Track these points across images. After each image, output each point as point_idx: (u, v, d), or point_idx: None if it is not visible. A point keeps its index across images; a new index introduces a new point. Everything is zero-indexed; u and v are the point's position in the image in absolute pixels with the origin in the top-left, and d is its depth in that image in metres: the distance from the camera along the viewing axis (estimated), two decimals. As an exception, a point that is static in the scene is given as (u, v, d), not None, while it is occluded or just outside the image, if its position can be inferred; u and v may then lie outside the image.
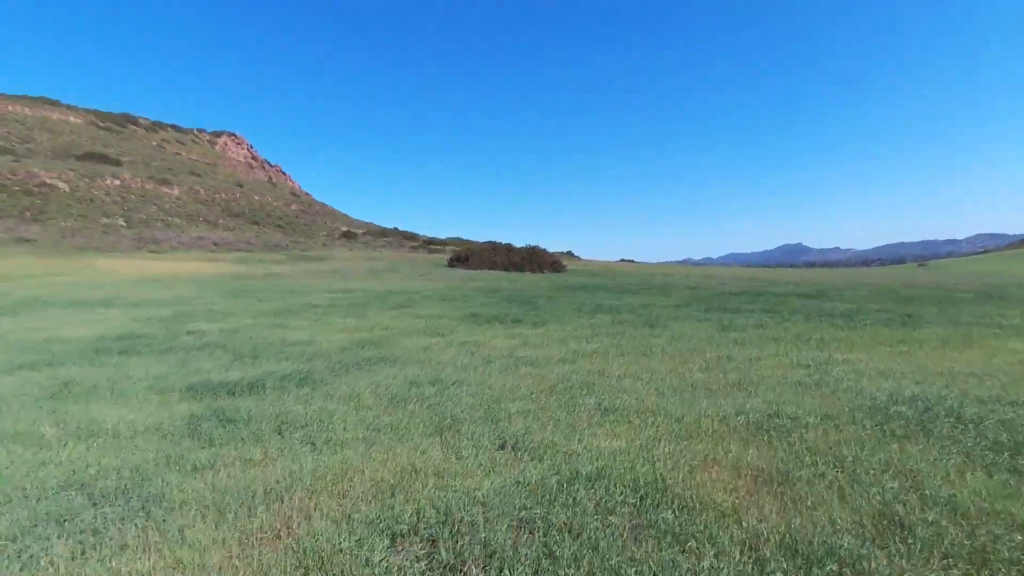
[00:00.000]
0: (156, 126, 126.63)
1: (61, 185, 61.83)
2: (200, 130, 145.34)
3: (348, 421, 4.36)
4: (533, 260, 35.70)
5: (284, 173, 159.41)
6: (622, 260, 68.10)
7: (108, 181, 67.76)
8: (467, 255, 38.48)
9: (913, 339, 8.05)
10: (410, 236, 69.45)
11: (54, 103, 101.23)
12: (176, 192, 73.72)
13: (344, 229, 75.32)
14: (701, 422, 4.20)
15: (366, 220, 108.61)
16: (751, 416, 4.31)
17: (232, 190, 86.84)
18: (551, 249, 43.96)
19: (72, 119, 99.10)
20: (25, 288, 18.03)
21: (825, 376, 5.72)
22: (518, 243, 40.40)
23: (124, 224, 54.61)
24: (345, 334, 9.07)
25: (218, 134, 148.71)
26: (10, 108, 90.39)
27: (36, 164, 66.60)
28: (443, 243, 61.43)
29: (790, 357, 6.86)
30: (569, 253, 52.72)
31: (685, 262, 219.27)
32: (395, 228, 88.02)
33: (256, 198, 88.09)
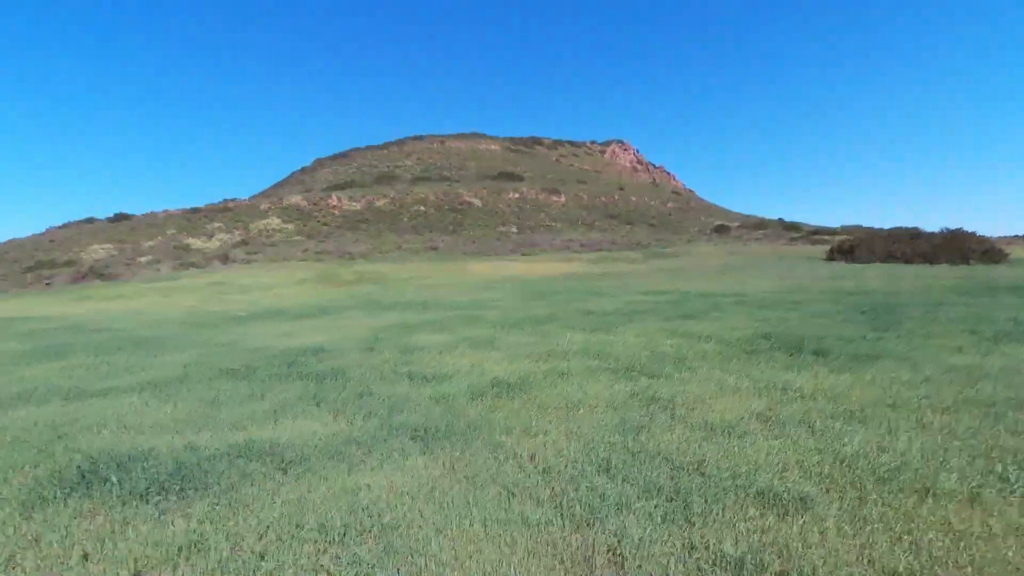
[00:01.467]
0: (556, 144, 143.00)
1: (475, 201, 74.38)
2: (592, 142, 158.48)
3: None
4: (951, 248, 25.86)
5: (668, 173, 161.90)
6: None
7: (510, 195, 78.64)
8: (852, 246, 30.53)
9: None
10: (792, 227, 60.78)
11: (481, 136, 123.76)
12: (563, 200, 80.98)
13: (717, 223, 70.79)
14: None
15: (752, 214, 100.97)
16: None
17: (612, 194, 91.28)
18: (993, 234, 31.56)
19: (492, 147, 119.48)
20: (382, 284, 20.58)
21: None
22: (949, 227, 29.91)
23: (515, 231, 62.16)
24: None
25: (607, 143, 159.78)
26: (452, 144, 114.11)
27: (462, 187, 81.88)
28: (832, 233, 51.60)
29: None
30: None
31: None
32: (779, 219, 79.05)
33: (633, 199, 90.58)
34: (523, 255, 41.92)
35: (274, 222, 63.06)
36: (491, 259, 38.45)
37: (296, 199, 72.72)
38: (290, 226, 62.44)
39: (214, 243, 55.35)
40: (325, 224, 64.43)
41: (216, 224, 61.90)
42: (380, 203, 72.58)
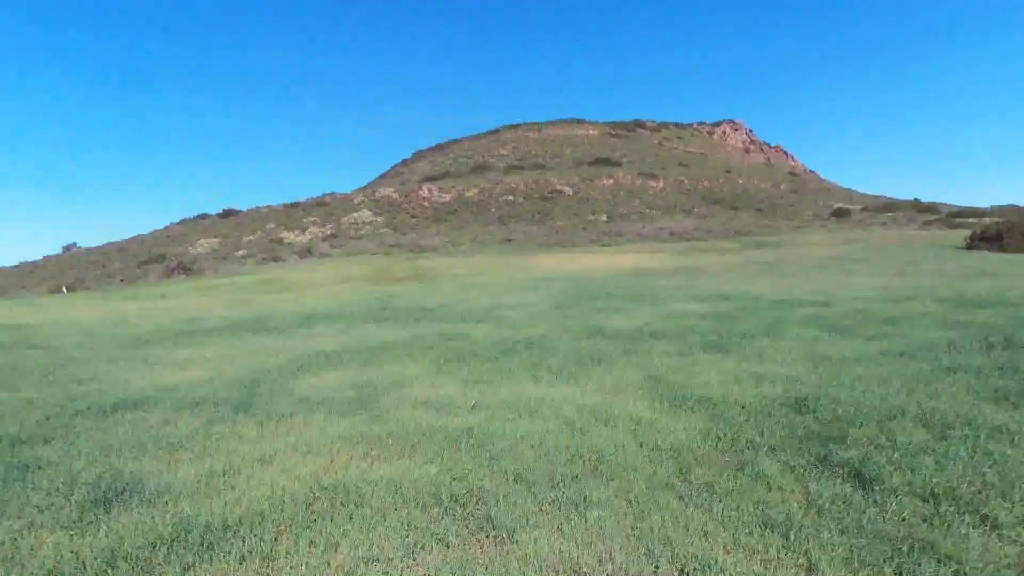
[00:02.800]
0: (660, 127, 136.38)
1: (566, 189, 71.42)
2: (700, 123, 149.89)
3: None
4: None
5: (786, 153, 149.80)
6: None
7: (604, 182, 74.93)
8: (999, 231, 24.89)
9: None
10: (927, 208, 52.74)
11: (579, 121, 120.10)
12: (660, 185, 76.06)
13: (836, 206, 63.13)
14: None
15: (883, 194, 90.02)
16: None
17: (717, 177, 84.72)
18: None
19: (591, 132, 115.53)
20: (421, 284, 18.73)
21: None
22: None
23: (605, 219, 58.62)
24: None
25: (718, 124, 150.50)
26: (548, 132, 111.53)
27: (554, 174, 79.21)
28: (979, 215, 43.86)
29: None
30: None
31: None
32: (914, 200, 69.51)
33: (741, 182, 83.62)
34: (603, 246, 38.75)
35: (365, 215, 63.91)
36: (565, 251, 35.72)
37: (388, 191, 73.57)
38: (380, 219, 62.96)
39: (306, 237, 56.81)
40: (414, 216, 64.36)
41: (311, 218, 63.71)
42: (470, 193, 71.61)
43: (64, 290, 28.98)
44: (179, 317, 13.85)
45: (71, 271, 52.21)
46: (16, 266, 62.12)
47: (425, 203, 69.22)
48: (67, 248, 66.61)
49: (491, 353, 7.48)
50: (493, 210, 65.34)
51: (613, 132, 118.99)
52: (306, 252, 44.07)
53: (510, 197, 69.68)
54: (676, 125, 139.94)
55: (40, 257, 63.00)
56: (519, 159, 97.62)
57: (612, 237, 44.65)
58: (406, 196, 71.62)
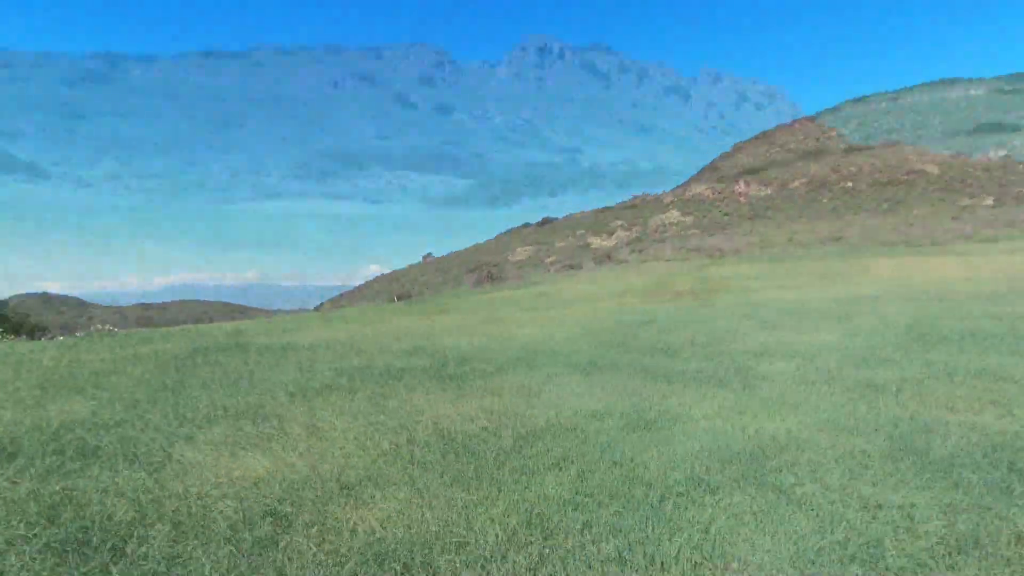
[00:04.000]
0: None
1: (930, 168, 56.33)
2: None
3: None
4: None
5: None
6: None
7: (989, 154, 57.07)
8: None
9: None
10: None
11: (953, 81, 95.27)
12: (1090, 150, 54.45)
13: None
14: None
15: None
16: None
17: None
18: None
19: (972, 92, 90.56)
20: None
21: None
22: None
23: (990, 203, 43.86)
24: None
25: None
26: (907, 100, 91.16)
27: (913, 151, 63.62)
28: None
29: None
30: None
31: None
32: None
33: None
34: (982, 243, 28.22)
35: (672, 215, 60.80)
36: (919, 252, 27.02)
37: (700, 189, 68.66)
38: (688, 219, 59.06)
39: (611, 241, 56.49)
40: (726, 214, 58.58)
41: (619, 222, 63.30)
42: (795, 184, 61.99)
43: (396, 298, 32.89)
44: (409, 347, 13.22)
45: (422, 277, 61.53)
46: (403, 270, 76.50)
47: (741, 199, 62.47)
48: (425, 257, 79.09)
49: (672, 494, 4.27)
50: (825, 201, 55.16)
51: (1007, 88, 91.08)
52: (605, 258, 43.29)
53: (849, 184, 58.01)
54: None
55: (405, 265, 76.62)
56: (865, 137, 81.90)
57: (999, 228, 32.62)
58: (719, 193, 65.84)
